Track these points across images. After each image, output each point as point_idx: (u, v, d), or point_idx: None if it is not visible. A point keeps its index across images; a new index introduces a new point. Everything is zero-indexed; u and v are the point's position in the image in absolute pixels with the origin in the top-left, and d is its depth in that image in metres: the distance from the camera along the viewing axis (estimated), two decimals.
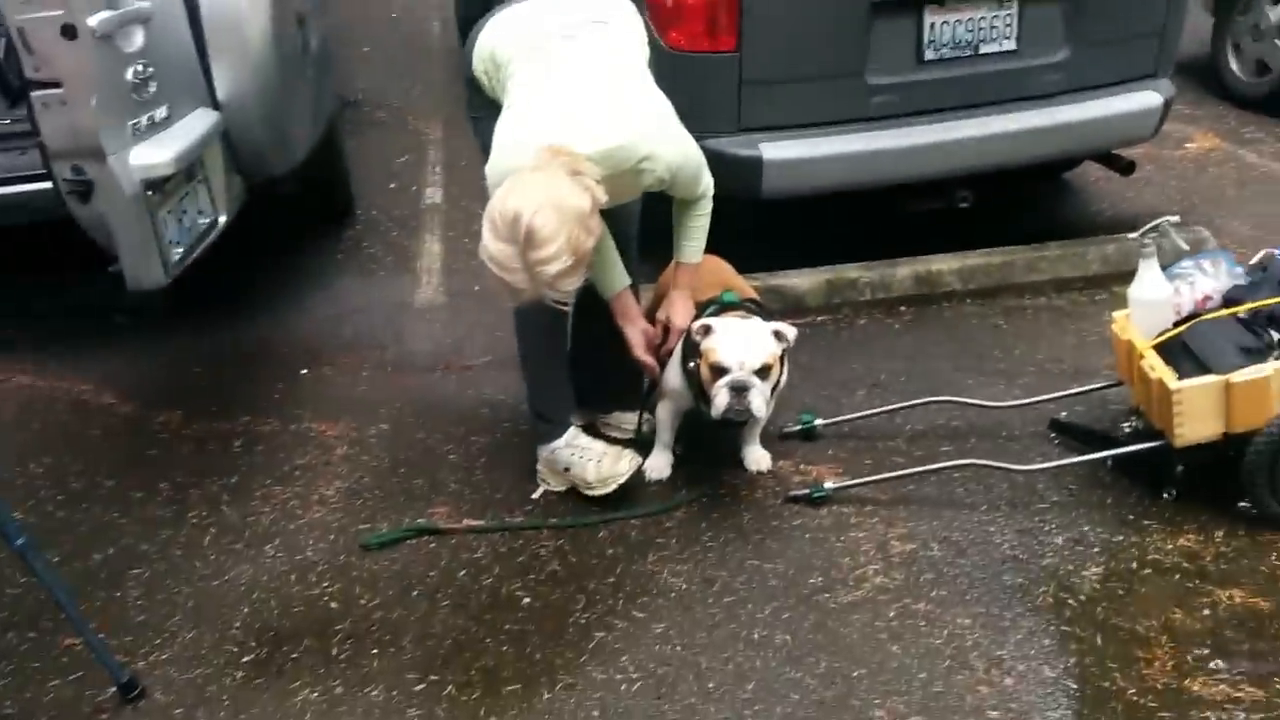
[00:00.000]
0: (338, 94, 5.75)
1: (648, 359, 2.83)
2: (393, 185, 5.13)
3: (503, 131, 2.51)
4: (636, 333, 2.81)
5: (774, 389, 2.78)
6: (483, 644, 2.46)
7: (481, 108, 2.71)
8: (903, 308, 3.89)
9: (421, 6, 7.74)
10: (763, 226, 4.07)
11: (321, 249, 4.50)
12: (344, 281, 4.24)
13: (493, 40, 2.65)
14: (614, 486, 2.88)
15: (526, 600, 2.59)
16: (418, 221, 4.74)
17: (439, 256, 4.40)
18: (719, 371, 2.66)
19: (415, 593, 2.62)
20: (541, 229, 2.28)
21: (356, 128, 5.83)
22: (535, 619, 2.53)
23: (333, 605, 2.60)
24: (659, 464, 3.01)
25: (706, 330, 2.71)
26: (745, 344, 2.67)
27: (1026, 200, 4.74)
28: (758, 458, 3.03)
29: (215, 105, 3.11)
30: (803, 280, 3.88)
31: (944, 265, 3.96)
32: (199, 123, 3.04)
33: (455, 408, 3.37)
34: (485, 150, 2.59)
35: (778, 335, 2.73)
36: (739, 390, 2.64)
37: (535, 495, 2.95)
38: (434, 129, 5.62)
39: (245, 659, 2.45)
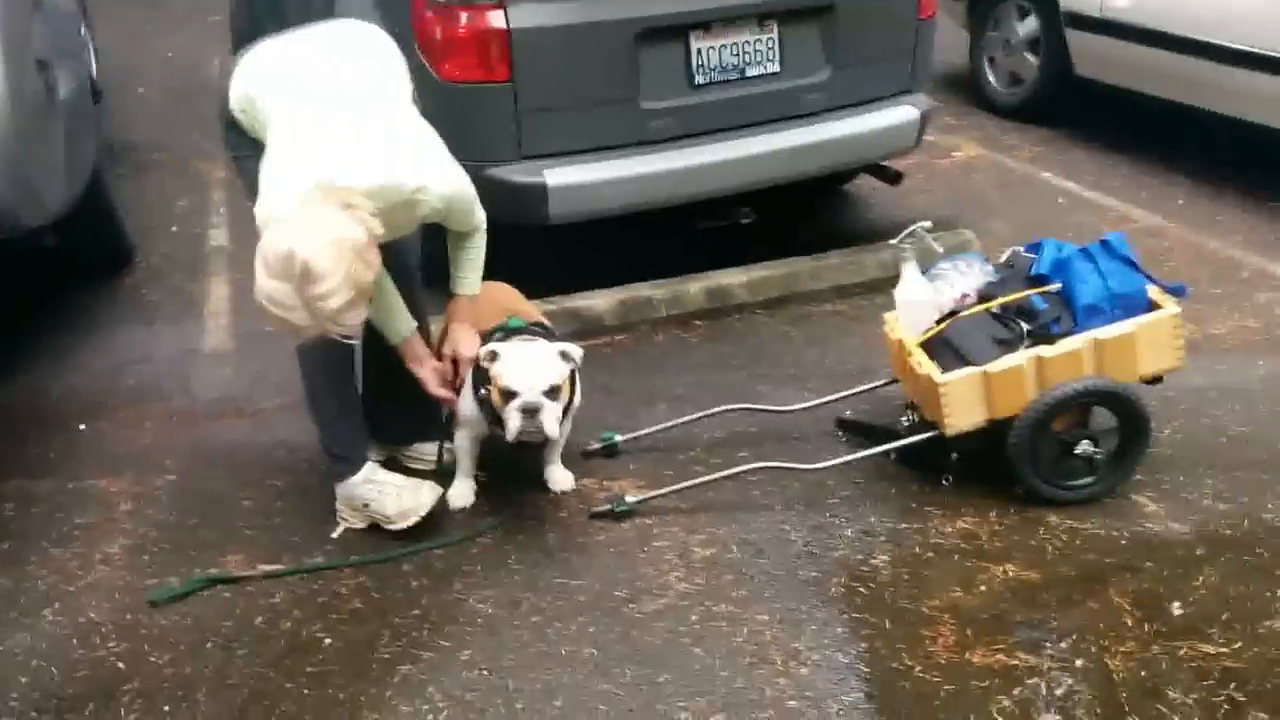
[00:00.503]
0: (107, 139, 5.52)
1: (443, 394, 2.83)
2: (174, 229, 4.93)
3: (269, 170, 2.46)
4: (428, 372, 2.81)
5: (567, 409, 2.82)
6: (283, 690, 2.39)
7: (244, 146, 2.65)
8: (697, 322, 4.01)
9: (198, 45, 7.48)
10: (556, 251, 4.12)
11: (98, 300, 4.27)
12: (123, 331, 4.04)
13: (248, 79, 2.59)
14: (415, 519, 2.85)
15: (328, 641, 2.53)
16: (203, 265, 4.56)
17: (226, 299, 4.24)
18: (509, 395, 2.68)
19: (209, 645, 2.51)
20: (317, 264, 2.24)
21: (133, 171, 5.58)
22: (338, 659, 2.47)
23: (120, 665, 2.46)
24: (462, 492, 3.00)
25: (493, 356, 2.73)
26: (532, 366, 2.70)
27: (808, 213, 4.97)
28: (560, 478, 3.06)
29: None
30: (598, 301, 3.94)
31: (733, 279, 4.10)
32: None
33: (248, 453, 3.26)
34: (252, 189, 2.54)
35: (564, 355, 2.77)
36: (530, 412, 2.67)
37: (335, 534, 2.89)
38: (216, 169, 5.43)
39: None
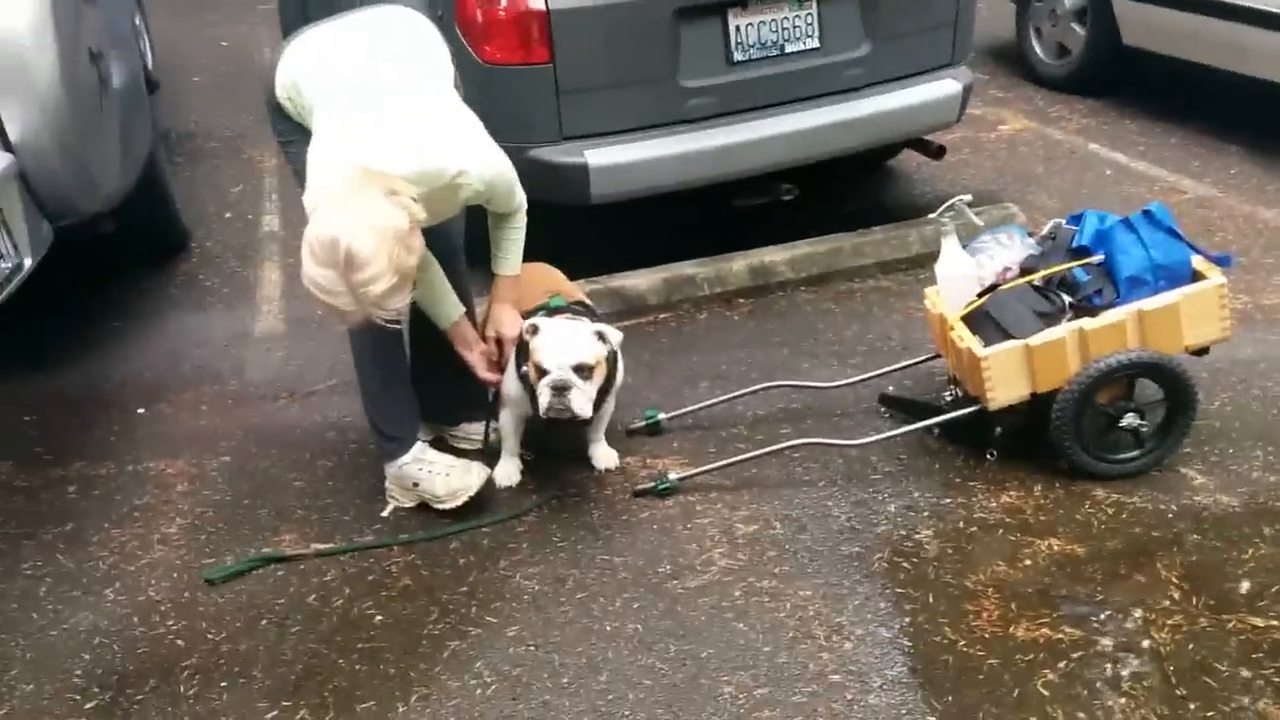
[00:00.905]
0: (163, 128, 5.63)
1: (491, 376, 2.89)
2: (229, 215, 5.03)
3: (315, 156, 2.51)
4: (477, 356, 2.86)
5: (607, 389, 2.85)
6: (335, 665, 2.45)
7: (291, 132, 2.71)
8: (740, 300, 4.02)
9: (251, 34, 7.60)
10: (599, 231, 4.14)
11: (156, 286, 4.38)
12: (179, 316, 4.14)
13: (294, 65, 2.64)
14: (464, 499, 2.89)
15: (379, 618, 2.59)
16: (256, 251, 4.65)
17: (279, 285, 4.33)
18: (541, 372, 2.72)
19: (264, 622, 2.59)
20: (361, 251, 2.29)
21: (188, 159, 5.70)
22: (388, 635, 2.53)
23: (178, 643, 2.55)
24: (507, 471, 3.04)
25: (534, 330, 2.77)
26: (565, 344, 2.73)
27: (852, 188, 4.94)
28: (604, 456, 3.09)
29: (7, 148, 3.00)
30: (641, 280, 3.96)
31: (776, 256, 4.09)
32: None
33: (300, 434, 3.34)
34: (300, 174, 2.59)
35: (600, 336, 2.79)
36: (559, 390, 2.70)
37: (385, 514, 2.95)
38: (269, 156, 5.52)
39: (89, 705, 2.38)
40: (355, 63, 2.59)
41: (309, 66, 2.63)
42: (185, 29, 8.04)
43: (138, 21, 6.14)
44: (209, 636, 2.56)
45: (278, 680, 2.42)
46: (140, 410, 3.52)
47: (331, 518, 2.95)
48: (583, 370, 2.72)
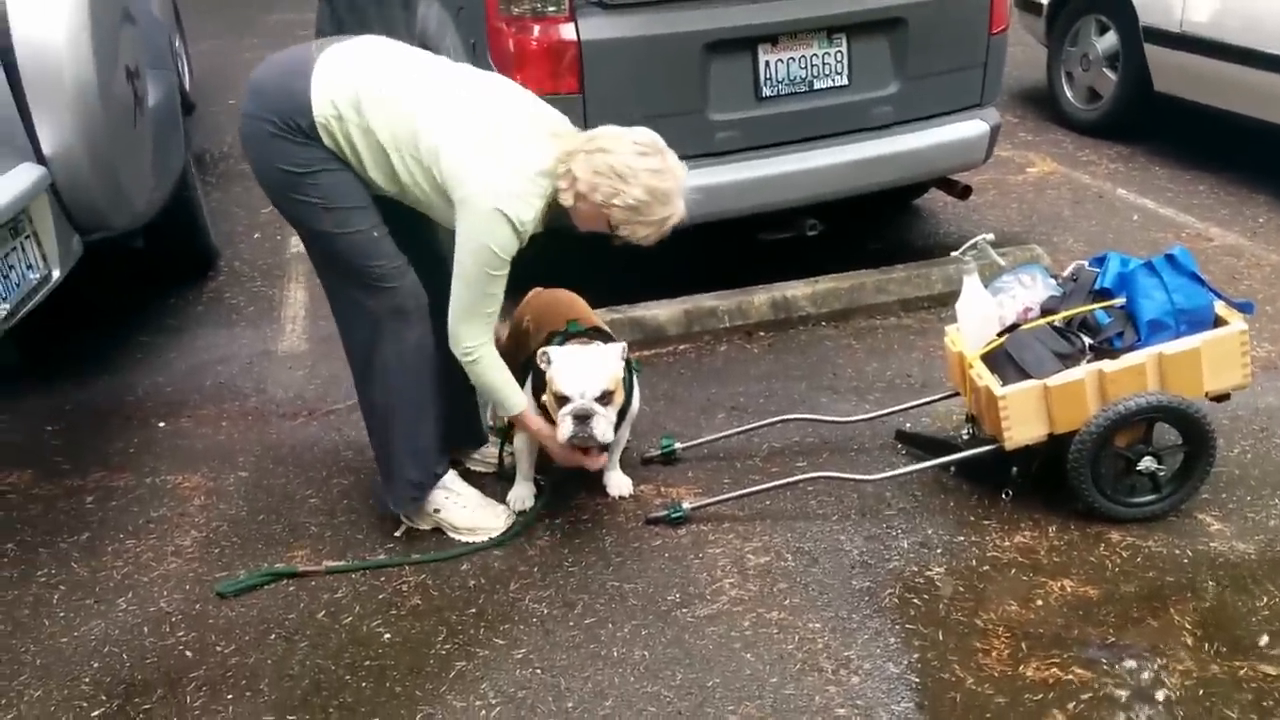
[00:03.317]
0: (199, 148, 5.73)
1: (572, 459, 2.86)
2: (257, 235, 5.10)
3: (488, 142, 2.53)
4: (551, 441, 2.81)
5: (624, 414, 2.86)
6: (342, 681, 2.46)
7: (318, 161, 2.57)
8: (761, 333, 4.02)
9: None
10: (622, 261, 4.16)
11: (183, 302, 4.45)
12: (205, 333, 4.19)
13: (351, 85, 2.55)
14: (484, 538, 2.90)
15: (387, 636, 2.59)
16: (282, 270, 4.72)
17: (303, 304, 4.38)
18: (562, 400, 2.73)
19: (272, 636, 2.60)
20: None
21: (221, 180, 5.80)
22: (395, 653, 2.54)
23: (187, 654, 2.56)
24: (521, 494, 3.05)
25: (547, 359, 2.78)
26: (585, 371, 2.73)
27: (877, 225, 4.95)
28: (619, 483, 3.09)
29: (40, 160, 3.05)
30: (662, 311, 3.98)
31: (798, 291, 4.10)
32: (21, 178, 2.96)
33: (317, 452, 3.37)
34: (331, 201, 2.59)
35: (616, 355, 2.79)
36: (582, 419, 2.70)
37: (398, 534, 2.96)
38: None
39: (95, 713, 2.40)
40: (428, 68, 2.65)
41: (374, 83, 2.55)
42: (225, 52, 8.20)
43: (176, 43, 6.27)
44: (218, 649, 2.57)
45: (284, 694, 2.43)
46: (161, 424, 3.56)
47: (345, 535, 2.96)
48: (604, 397, 2.73)
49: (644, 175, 2.54)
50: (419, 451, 2.85)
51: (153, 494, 3.18)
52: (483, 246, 2.52)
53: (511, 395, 2.74)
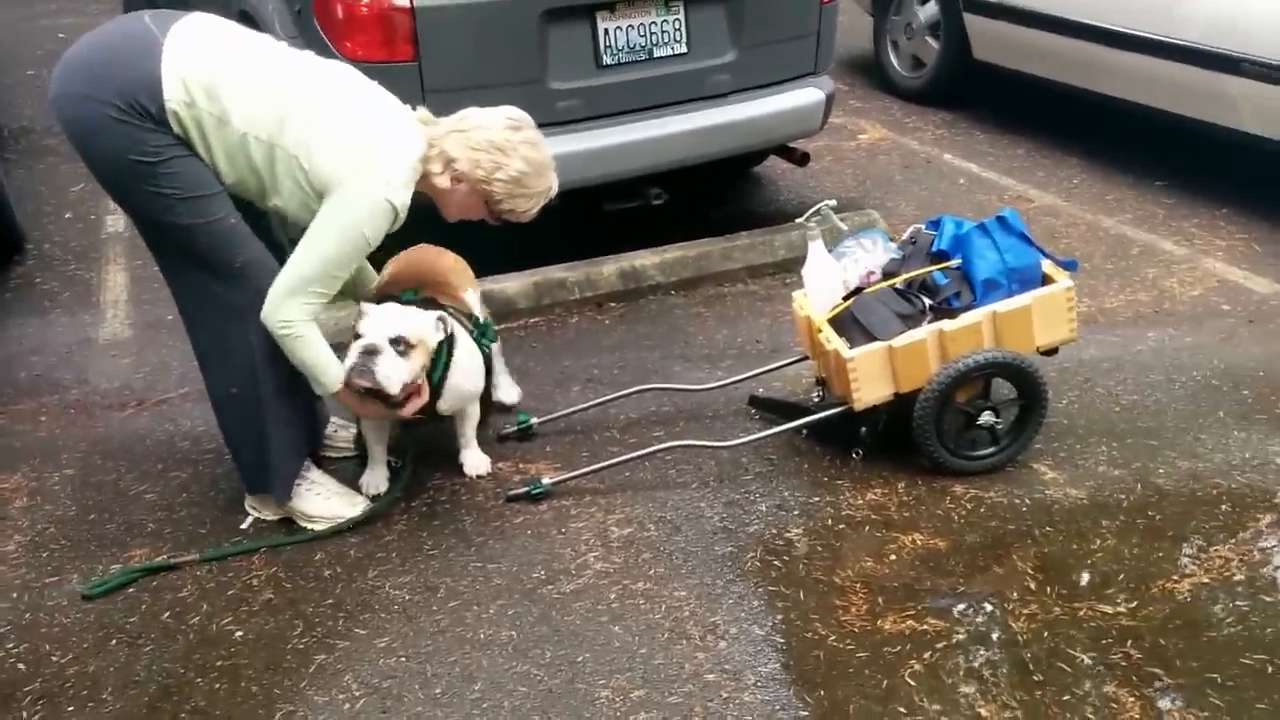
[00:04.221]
0: None
1: (367, 409, 2.75)
2: (69, 215, 4.77)
3: (369, 132, 2.50)
4: (352, 399, 2.68)
5: (485, 395, 2.80)
6: (192, 684, 2.34)
7: (167, 148, 2.41)
8: (611, 303, 4.02)
9: (91, 25, 7.22)
10: (469, 235, 4.07)
11: None
12: (16, 321, 3.89)
13: (206, 70, 2.41)
14: (335, 525, 2.80)
15: (239, 633, 2.48)
16: (98, 252, 4.43)
17: (124, 288, 4.13)
18: (356, 338, 2.63)
19: (113, 642, 2.45)
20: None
21: (24, 156, 5.39)
22: (249, 651, 2.43)
23: (20, 666, 2.39)
24: (374, 479, 2.96)
25: (359, 313, 2.69)
26: (385, 317, 2.64)
27: (720, 194, 5.01)
28: (476, 463, 3.04)
29: None
30: (511, 284, 3.92)
31: (647, 260, 4.11)
32: None
33: (150, 444, 3.18)
34: (189, 191, 2.44)
35: (438, 322, 2.71)
36: (368, 352, 2.59)
37: (244, 525, 2.83)
38: None
39: None
40: (289, 59, 2.56)
41: (231, 69, 2.43)
42: (17, 19, 7.61)
43: None
44: (54, 659, 2.41)
45: (130, 703, 2.29)
46: None
47: (187, 530, 2.82)
48: (399, 343, 2.60)
49: (522, 148, 2.57)
50: (291, 438, 2.76)
51: None
52: (358, 232, 2.47)
53: (330, 369, 2.59)
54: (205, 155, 2.46)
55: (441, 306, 2.84)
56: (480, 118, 2.60)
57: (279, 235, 2.80)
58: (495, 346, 3.14)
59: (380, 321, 2.63)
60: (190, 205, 2.45)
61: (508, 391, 3.32)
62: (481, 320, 3.01)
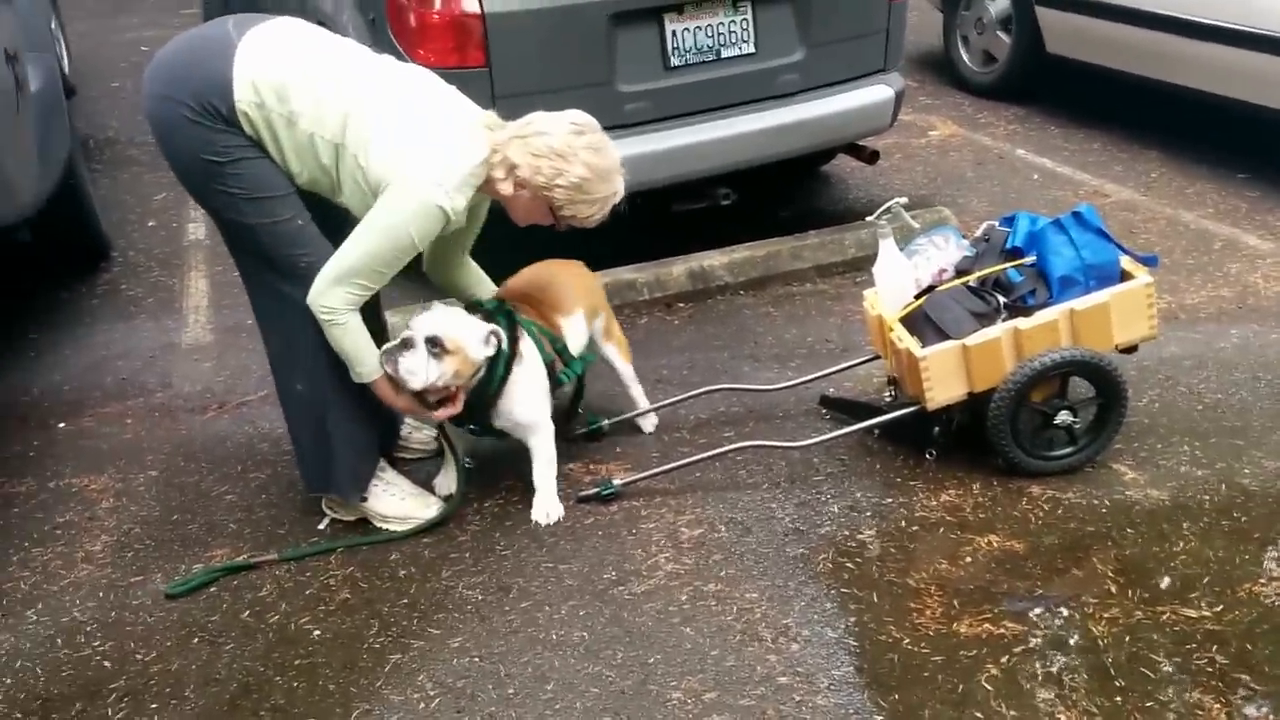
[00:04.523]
0: (82, 134, 5.47)
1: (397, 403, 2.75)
2: (152, 223, 4.90)
3: (426, 134, 2.50)
4: (393, 397, 2.70)
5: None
6: (272, 683, 2.38)
7: (236, 149, 2.47)
8: (680, 304, 4.01)
9: (171, 39, 7.44)
10: (537, 238, 4.10)
11: (76, 296, 4.25)
12: (102, 327, 4.01)
13: (277, 72, 2.46)
14: (411, 526, 2.84)
15: (316, 633, 2.52)
16: (180, 259, 4.54)
17: (205, 293, 4.23)
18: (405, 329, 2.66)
19: (195, 640, 2.51)
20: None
21: (109, 166, 5.56)
22: (326, 650, 2.47)
23: (105, 664, 2.46)
24: (447, 480, 2.98)
25: (421, 309, 2.72)
26: (434, 317, 2.66)
27: (788, 193, 4.98)
28: (544, 509, 2.89)
29: None
30: None
31: (715, 261, 4.10)
32: None
33: (230, 446, 3.25)
34: (255, 191, 2.49)
35: (489, 337, 2.71)
36: (403, 344, 2.61)
37: (321, 525, 2.88)
38: None
39: None
40: (356, 58, 2.60)
41: (301, 71, 2.48)
42: (102, 33, 7.85)
43: (54, 25, 5.97)
44: (138, 657, 2.47)
45: (211, 700, 2.34)
46: (61, 425, 3.41)
47: (266, 531, 2.87)
48: (434, 343, 2.61)
49: (584, 153, 2.54)
50: (360, 438, 2.79)
51: (57, 499, 3.04)
52: (404, 232, 2.48)
53: (368, 360, 2.62)
54: (277, 156, 2.52)
55: (514, 323, 2.82)
56: (544, 123, 2.58)
57: None
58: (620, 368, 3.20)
59: (428, 319, 2.66)
60: (256, 205, 2.51)
61: (646, 421, 3.27)
62: (566, 346, 2.96)
